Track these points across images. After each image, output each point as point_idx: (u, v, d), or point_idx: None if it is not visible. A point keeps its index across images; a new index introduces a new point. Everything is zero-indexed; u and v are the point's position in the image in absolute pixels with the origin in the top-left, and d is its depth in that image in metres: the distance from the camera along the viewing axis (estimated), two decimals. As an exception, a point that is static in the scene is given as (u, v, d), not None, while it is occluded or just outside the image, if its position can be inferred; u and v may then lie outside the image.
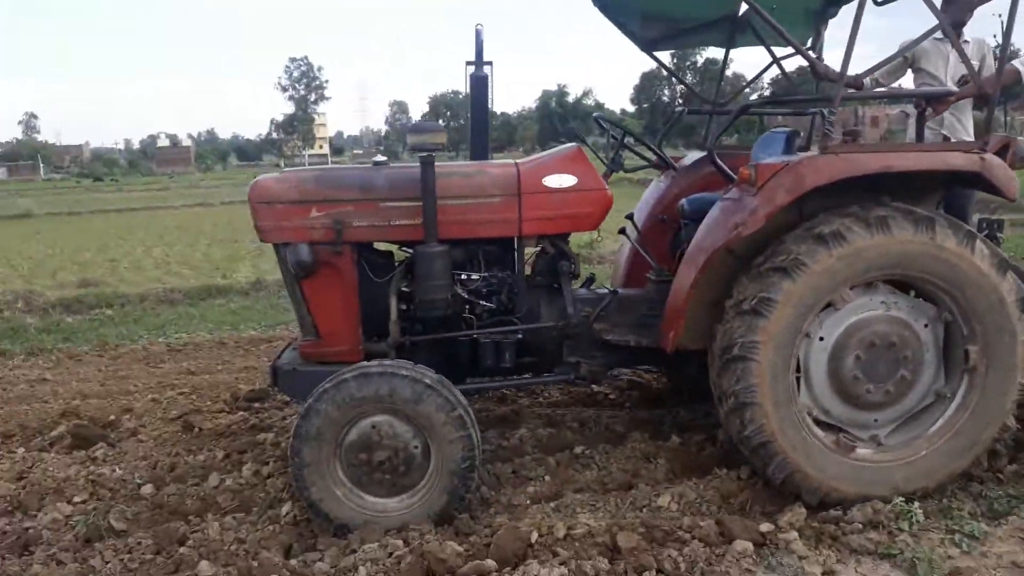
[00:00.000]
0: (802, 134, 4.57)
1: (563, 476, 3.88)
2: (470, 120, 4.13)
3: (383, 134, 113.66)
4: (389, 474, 3.29)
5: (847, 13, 4.55)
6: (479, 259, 3.89)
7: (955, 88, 4.14)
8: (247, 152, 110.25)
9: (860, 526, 3.21)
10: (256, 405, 5.17)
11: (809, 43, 4.73)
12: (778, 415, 3.34)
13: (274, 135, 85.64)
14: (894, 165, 3.32)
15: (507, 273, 3.91)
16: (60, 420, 4.92)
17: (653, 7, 4.52)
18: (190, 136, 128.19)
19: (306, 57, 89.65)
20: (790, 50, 4.71)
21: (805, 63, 3.78)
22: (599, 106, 65.08)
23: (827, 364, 3.44)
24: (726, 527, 3.15)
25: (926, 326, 3.46)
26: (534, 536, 3.09)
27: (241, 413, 5.00)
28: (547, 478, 3.86)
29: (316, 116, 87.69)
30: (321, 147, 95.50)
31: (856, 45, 3.44)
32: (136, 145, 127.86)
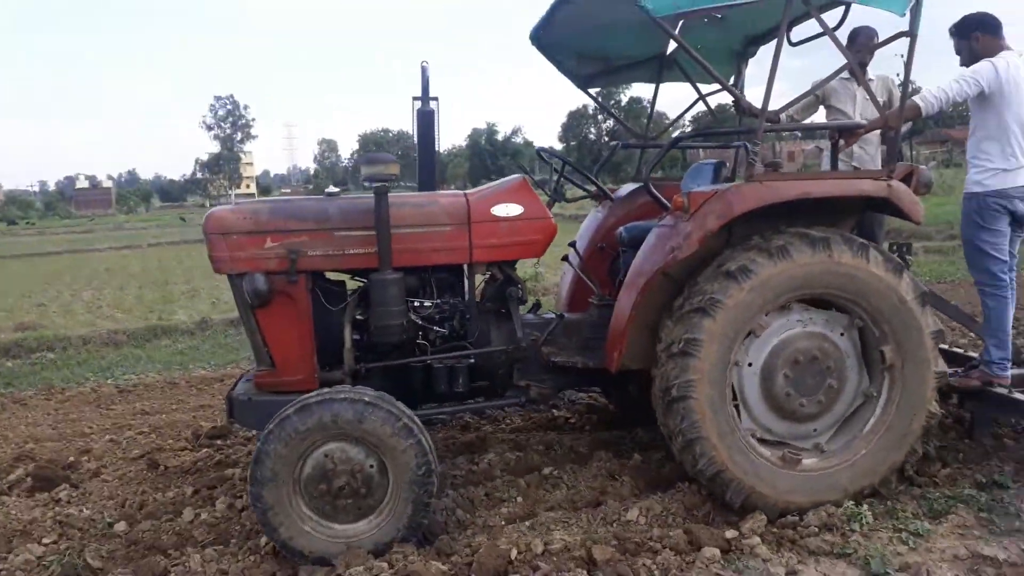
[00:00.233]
0: (728, 165, 4.89)
1: (534, 496, 3.97)
2: (418, 153, 4.25)
3: (312, 172, 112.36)
4: (351, 498, 3.29)
5: (765, 52, 4.96)
6: (432, 286, 3.99)
7: (864, 122, 4.48)
8: (171, 193, 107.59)
9: (816, 529, 3.44)
10: (219, 442, 5.12)
11: (732, 80, 5.08)
12: (724, 444, 3.53)
13: (199, 175, 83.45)
14: (812, 192, 3.61)
15: (459, 299, 4.02)
16: (16, 464, 4.78)
17: (589, 46, 4.80)
18: (110, 177, 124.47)
19: (232, 95, 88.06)
20: (714, 87, 5.08)
21: (727, 99, 4.06)
22: (528, 144, 65.98)
23: (760, 387, 3.67)
24: (694, 536, 3.33)
25: (842, 335, 3.72)
26: (514, 553, 3.20)
27: (205, 450, 4.94)
28: (519, 499, 3.94)
29: (242, 155, 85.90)
30: (248, 186, 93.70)
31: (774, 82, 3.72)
32: (52, 187, 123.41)
